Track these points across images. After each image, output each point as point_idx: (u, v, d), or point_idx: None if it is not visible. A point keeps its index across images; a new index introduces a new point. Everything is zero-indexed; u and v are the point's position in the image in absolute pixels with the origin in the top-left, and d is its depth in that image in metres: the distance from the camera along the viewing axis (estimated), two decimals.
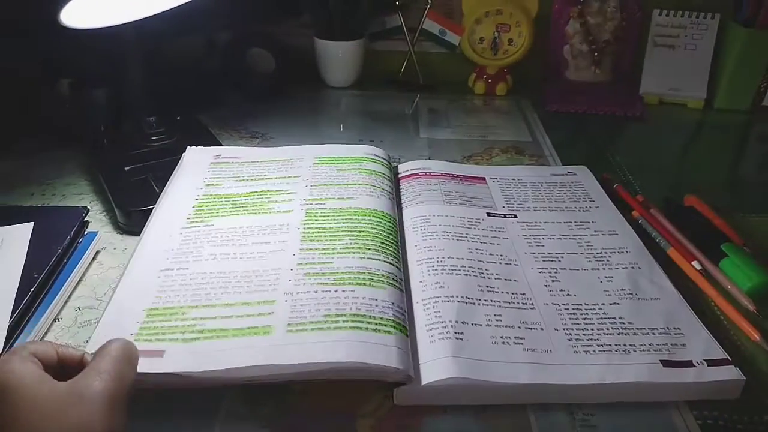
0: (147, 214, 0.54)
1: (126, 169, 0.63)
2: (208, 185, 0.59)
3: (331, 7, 0.88)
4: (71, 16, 0.50)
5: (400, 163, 0.68)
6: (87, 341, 0.42)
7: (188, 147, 0.64)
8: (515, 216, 0.58)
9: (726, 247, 0.55)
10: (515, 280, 0.49)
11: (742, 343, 0.47)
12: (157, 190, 0.58)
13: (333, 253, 0.49)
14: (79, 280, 0.51)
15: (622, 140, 0.84)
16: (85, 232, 0.55)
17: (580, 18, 0.92)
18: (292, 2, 0.91)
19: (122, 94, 0.69)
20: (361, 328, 0.41)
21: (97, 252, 0.55)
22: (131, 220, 0.56)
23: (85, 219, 0.55)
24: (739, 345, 0.46)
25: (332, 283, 0.45)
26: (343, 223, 0.53)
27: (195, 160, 0.62)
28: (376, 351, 0.39)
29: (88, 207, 0.57)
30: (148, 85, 0.69)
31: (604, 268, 0.51)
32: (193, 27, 0.83)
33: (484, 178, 0.65)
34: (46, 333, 0.46)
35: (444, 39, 0.95)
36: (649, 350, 0.42)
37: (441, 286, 0.47)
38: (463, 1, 0.91)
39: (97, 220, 0.60)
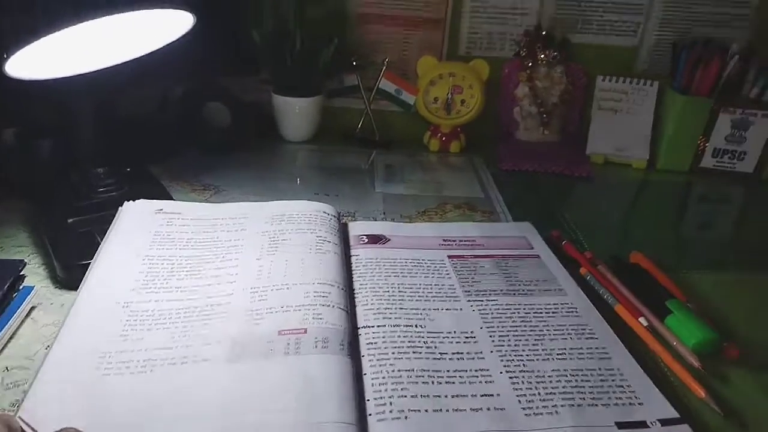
0: (87, 268, 0.52)
1: (69, 221, 0.60)
2: (150, 246, 0.57)
3: (290, 65, 0.90)
4: (18, 67, 0.49)
5: (354, 219, 0.68)
6: (14, 404, 0.39)
7: (125, 202, 0.62)
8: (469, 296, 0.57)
9: (671, 303, 0.56)
10: (470, 353, 0.48)
11: (689, 400, 0.47)
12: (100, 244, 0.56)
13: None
14: (11, 337, 0.48)
15: (571, 198, 0.87)
16: (21, 287, 0.52)
17: (528, 82, 0.96)
18: (251, 58, 0.92)
19: (70, 144, 0.68)
20: None
21: (32, 308, 0.52)
22: (71, 273, 0.54)
23: (21, 273, 0.52)
24: (686, 402, 0.47)
25: None
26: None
27: (133, 216, 0.60)
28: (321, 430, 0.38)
29: (26, 260, 0.54)
30: (98, 136, 0.68)
31: (553, 327, 0.52)
32: (148, 79, 0.83)
33: (438, 248, 0.64)
34: None
35: (400, 98, 0.97)
36: (603, 411, 0.42)
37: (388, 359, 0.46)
38: (418, 63, 0.95)
39: (35, 274, 0.57)
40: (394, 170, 0.89)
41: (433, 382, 0.44)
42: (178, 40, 0.59)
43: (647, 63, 1.00)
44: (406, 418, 0.40)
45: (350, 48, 0.95)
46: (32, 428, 0.33)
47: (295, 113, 0.94)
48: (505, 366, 0.47)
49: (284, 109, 0.94)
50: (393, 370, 0.45)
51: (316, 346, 0.44)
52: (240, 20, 0.89)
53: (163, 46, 0.58)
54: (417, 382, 0.44)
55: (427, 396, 0.42)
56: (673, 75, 0.95)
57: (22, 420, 0.34)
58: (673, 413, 0.43)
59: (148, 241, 0.57)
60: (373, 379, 0.44)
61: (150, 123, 0.85)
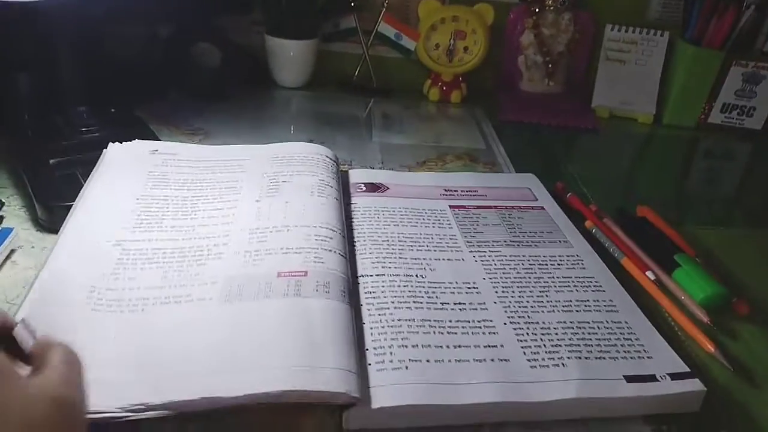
0: (69, 210, 0.49)
1: (51, 162, 0.57)
2: (137, 187, 0.54)
3: (284, 5, 0.85)
4: None
5: (351, 167, 0.65)
6: None
7: (109, 143, 0.58)
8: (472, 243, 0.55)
9: (679, 257, 0.54)
10: (472, 304, 0.46)
11: (697, 355, 0.46)
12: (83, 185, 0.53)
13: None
14: None
15: (575, 151, 0.84)
16: None
17: (534, 29, 0.92)
18: None
19: (50, 80, 0.64)
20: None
21: (12, 251, 0.49)
22: (52, 215, 0.51)
23: None
24: (694, 356, 0.45)
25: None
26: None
27: (118, 157, 0.57)
28: (319, 375, 0.36)
29: (4, 201, 0.51)
30: (81, 72, 0.63)
31: (559, 279, 0.50)
32: (135, 15, 0.78)
33: (439, 198, 0.61)
34: None
35: (399, 43, 0.93)
36: (611, 364, 0.41)
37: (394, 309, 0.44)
38: (420, 6, 0.90)
39: (15, 216, 0.54)
40: (392, 119, 0.86)
41: (434, 332, 0.42)
42: None
43: (659, 12, 0.96)
44: (406, 368, 0.38)
45: None
46: (30, 330, 0.31)
47: (289, 57, 0.90)
48: (509, 317, 0.45)
49: (278, 52, 0.89)
50: (392, 320, 0.42)
51: (317, 290, 0.42)
52: None
53: None
54: (417, 332, 0.42)
55: (428, 346, 0.40)
56: (684, 25, 0.91)
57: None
58: (683, 367, 0.41)
59: (142, 181, 0.54)
60: (372, 328, 0.42)
61: (136, 63, 0.80)
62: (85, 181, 0.54)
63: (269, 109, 0.86)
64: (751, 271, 0.57)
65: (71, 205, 0.50)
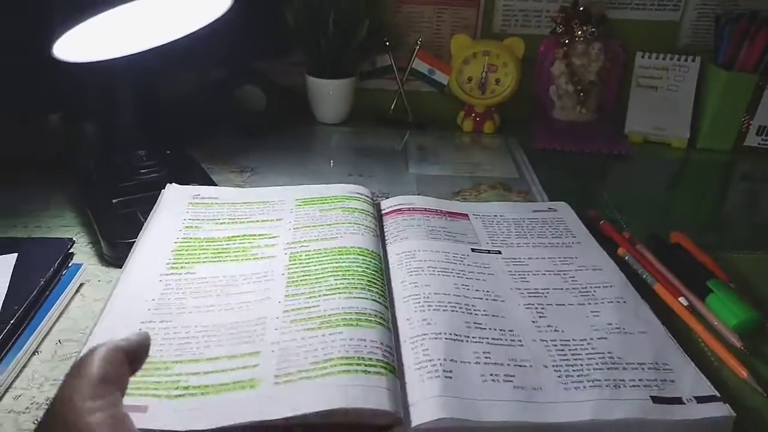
0: (132, 246, 0.54)
1: (113, 201, 0.62)
2: (187, 227, 0.57)
3: (323, 47, 0.90)
4: (64, 50, 0.51)
5: (386, 198, 0.68)
6: None
7: (167, 184, 0.63)
8: (499, 252, 0.58)
9: (712, 283, 0.55)
10: (502, 317, 0.49)
11: (730, 380, 0.46)
12: (144, 223, 0.58)
13: (319, 296, 0.48)
14: (62, 313, 0.51)
15: (608, 178, 0.85)
16: (70, 264, 0.54)
17: (565, 59, 0.94)
18: (284, 41, 0.93)
19: (112, 127, 0.70)
20: (350, 371, 0.40)
21: (81, 284, 0.54)
22: (116, 251, 0.56)
23: (70, 251, 0.55)
24: (726, 381, 0.46)
25: (319, 327, 0.44)
26: (328, 263, 0.52)
27: (174, 198, 0.62)
28: (366, 393, 0.38)
29: (74, 239, 0.56)
30: (139, 118, 0.69)
31: (590, 303, 0.51)
32: (186, 63, 0.85)
33: (467, 215, 0.65)
34: (24, 366, 0.45)
35: (433, 78, 0.97)
36: (639, 386, 0.42)
37: (428, 323, 0.46)
38: (452, 42, 0.94)
39: (83, 253, 0.59)
40: (427, 151, 0.89)
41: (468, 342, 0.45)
42: (215, 22, 0.60)
43: (689, 38, 0.97)
44: (447, 379, 0.41)
45: (383, 28, 0.95)
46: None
47: (329, 95, 0.95)
48: (540, 335, 0.47)
49: (318, 91, 0.94)
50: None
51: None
52: (272, 2, 0.89)
53: (201, 28, 0.59)
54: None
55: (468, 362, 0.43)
56: (716, 50, 0.92)
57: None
58: (710, 390, 0.42)
59: (184, 222, 0.59)
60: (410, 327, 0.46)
61: (188, 106, 0.86)
62: (143, 219, 0.59)
63: (311, 145, 0.90)
64: None
65: (132, 242, 0.55)
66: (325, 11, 0.87)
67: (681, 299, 0.54)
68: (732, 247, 0.66)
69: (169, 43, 0.58)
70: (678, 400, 0.41)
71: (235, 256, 0.54)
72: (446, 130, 0.97)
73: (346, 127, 0.97)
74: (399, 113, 0.99)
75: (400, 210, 0.64)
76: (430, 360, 0.43)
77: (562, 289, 0.53)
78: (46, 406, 0.34)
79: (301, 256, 0.54)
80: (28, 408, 0.42)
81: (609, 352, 0.45)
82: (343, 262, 0.52)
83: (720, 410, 0.40)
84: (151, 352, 0.34)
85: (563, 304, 0.51)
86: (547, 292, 0.52)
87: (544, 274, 0.55)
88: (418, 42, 0.95)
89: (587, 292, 0.53)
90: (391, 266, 0.55)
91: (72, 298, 0.53)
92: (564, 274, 0.55)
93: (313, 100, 0.96)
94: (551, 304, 0.51)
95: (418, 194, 0.74)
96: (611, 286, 0.54)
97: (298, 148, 0.87)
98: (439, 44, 0.98)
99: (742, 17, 0.90)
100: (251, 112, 0.88)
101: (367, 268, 0.52)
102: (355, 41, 0.90)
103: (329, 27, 0.88)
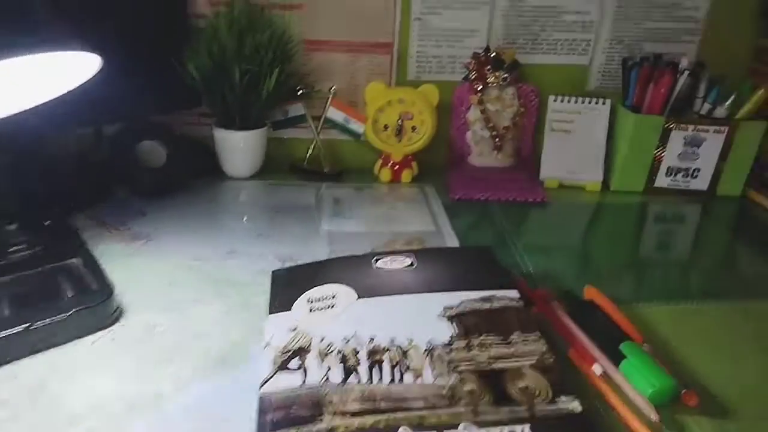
0: None
1: None
2: None
3: (230, 98, 0.85)
4: None
5: (294, 263, 0.64)
6: None
7: None
8: None
9: (626, 347, 0.53)
10: None
11: None
12: (8, 314, 0.51)
13: None
14: None
15: (525, 227, 0.84)
16: None
17: (479, 105, 0.94)
18: (190, 92, 0.88)
19: None
20: None
21: None
22: None
23: None
24: None
25: None
26: None
27: None
28: None
29: None
30: (13, 186, 0.62)
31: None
32: (76, 118, 0.78)
33: None
34: None
35: (348, 127, 0.94)
36: None
37: None
38: (366, 90, 0.91)
39: None
40: (342, 205, 0.85)
41: None
42: (86, 83, 0.54)
43: (599, 81, 0.98)
44: None
45: (295, 76, 0.91)
46: None
47: (239, 148, 0.90)
48: None
49: (227, 143, 0.89)
50: None
51: None
52: (177, 53, 0.84)
53: (69, 91, 0.54)
54: None
55: None
56: (624, 93, 0.94)
57: None
58: None
59: None
60: None
61: (79, 167, 0.79)
62: (9, 309, 0.52)
63: (218, 203, 0.85)
64: (701, 352, 0.56)
65: None
66: (229, 62, 0.83)
67: (595, 367, 0.52)
68: (647, 296, 0.65)
69: (32, 108, 0.52)
70: None
71: None
72: (364, 180, 0.94)
73: (259, 181, 0.92)
74: (315, 163, 0.95)
75: None
76: None
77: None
78: None
79: None
80: None
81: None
82: None
83: None
84: None
85: None
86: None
87: None
88: (332, 90, 0.92)
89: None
90: None
91: None
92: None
93: (222, 154, 0.91)
94: None
95: (330, 254, 0.71)
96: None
97: (203, 208, 0.82)
98: (354, 92, 0.95)
99: (647, 60, 0.93)
100: (150, 169, 0.82)
101: None
102: (265, 91, 0.86)
103: (236, 76, 0.84)
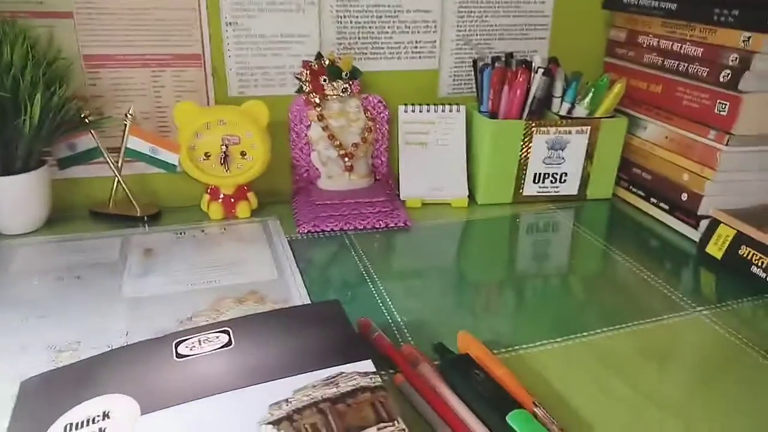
0: None
1: None
2: None
3: None
4: None
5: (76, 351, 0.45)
6: None
7: None
8: None
9: (514, 418, 0.41)
10: None
11: None
12: None
13: None
14: None
15: (388, 258, 0.70)
16: None
17: (321, 121, 0.80)
18: None
19: None
20: None
21: None
22: None
23: None
24: None
25: None
26: None
27: None
28: None
29: None
30: None
31: None
32: None
33: None
34: None
35: (158, 158, 0.76)
36: None
37: None
38: (175, 112, 0.73)
39: None
40: (155, 257, 0.67)
41: None
42: None
43: (451, 86, 0.89)
44: None
45: (75, 101, 0.71)
46: None
47: (11, 198, 0.68)
48: None
49: None
50: None
51: None
52: None
53: None
54: None
55: None
56: (479, 98, 0.85)
57: None
58: None
59: None
60: None
61: None
62: None
63: None
64: (595, 402, 0.46)
65: None
66: None
67: None
68: (530, 334, 0.54)
69: None
70: None
71: None
72: (190, 220, 0.76)
73: (47, 236, 0.71)
74: (123, 206, 0.76)
75: None
76: None
77: None
78: None
79: None
80: None
81: None
82: None
83: None
84: None
85: None
86: None
87: None
88: (129, 114, 0.73)
89: None
90: None
91: None
92: None
93: None
94: None
95: (127, 335, 0.52)
96: None
97: None
98: (163, 115, 0.77)
99: (498, 61, 0.84)
100: None
101: None
102: (31, 122, 0.65)
103: None
